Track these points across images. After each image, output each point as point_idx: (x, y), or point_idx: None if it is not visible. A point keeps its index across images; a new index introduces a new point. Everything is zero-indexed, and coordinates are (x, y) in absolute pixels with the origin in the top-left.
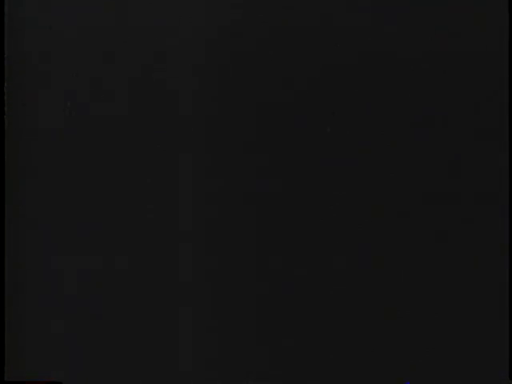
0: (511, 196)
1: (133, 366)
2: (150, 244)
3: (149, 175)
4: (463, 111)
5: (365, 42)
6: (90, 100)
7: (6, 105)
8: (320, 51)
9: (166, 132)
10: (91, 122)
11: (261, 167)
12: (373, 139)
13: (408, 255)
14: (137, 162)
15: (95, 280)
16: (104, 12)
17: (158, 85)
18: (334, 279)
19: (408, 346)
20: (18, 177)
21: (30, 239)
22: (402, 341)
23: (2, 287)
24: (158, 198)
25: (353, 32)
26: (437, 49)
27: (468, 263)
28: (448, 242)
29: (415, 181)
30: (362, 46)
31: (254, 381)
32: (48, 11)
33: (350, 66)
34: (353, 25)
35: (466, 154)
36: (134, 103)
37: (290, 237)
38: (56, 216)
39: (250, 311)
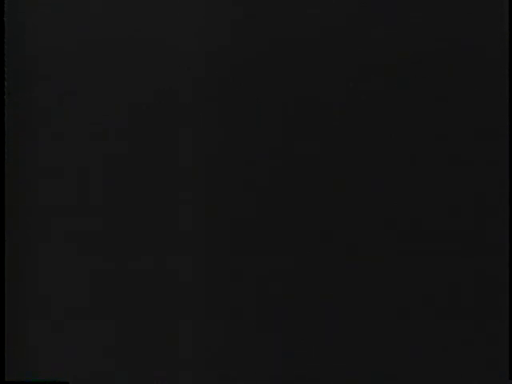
0: (511, 196)
1: (134, 365)
2: (151, 244)
3: (149, 179)
4: (463, 111)
5: (363, 41)
6: (90, 101)
7: (6, 105)
8: (322, 60)
9: (165, 139)
10: (91, 123)
11: (260, 171)
12: (371, 139)
13: (408, 254)
14: (137, 164)
15: (96, 280)
16: (105, 12)
17: (157, 88)
18: (334, 278)
19: (408, 346)
20: (18, 176)
21: (30, 239)
22: (401, 341)
23: (2, 287)
24: (158, 199)
25: (352, 35)
26: (436, 48)
27: (468, 263)
28: (448, 242)
29: (414, 180)
30: (361, 46)
31: (253, 381)
32: (48, 11)
33: (349, 70)
34: (352, 28)
35: (465, 154)
36: (134, 104)
37: (289, 236)
38: (56, 216)
39: (249, 311)
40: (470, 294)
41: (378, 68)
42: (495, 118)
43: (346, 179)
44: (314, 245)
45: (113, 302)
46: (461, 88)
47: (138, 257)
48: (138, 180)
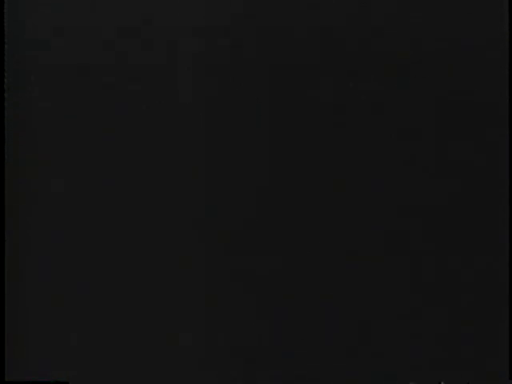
0: (511, 196)
1: (135, 365)
2: (151, 244)
3: (149, 179)
4: (463, 111)
5: (363, 41)
6: (90, 101)
7: (6, 104)
8: (322, 60)
9: (166, 134)
10: (91, 123)
11: (260, 168)
12: (371, 139)
13: (408, 254)
14: (137, 164)
15: (96, 280)
16: (105, 12)
17: (157, 87)
18: (334, 278)
19: (408, 345)
20: (18, 177)
21: (30, 238)
22: (401, 341)
23: (2, 287)
24: (158, 199)
25: (353, 32)
26: (436, 48)
27: (468, 263)
28: (448, 242)
29: (414, 180)
30: (361, 46)
31: (252, 381)
32: (48, 11)
33: (350, 70)
34: (352, 28)
35: (465, 154)
36: (133, 104)
37: (289, 236)
38: (55, 215)
39: (249, 311)
40: (470, 294)
41: (378, 68)
42: (495, 118)
43: (346, 179)
44: (315, 245)
45: (113, 302)
46: (461, 88)
47: (138, 257)
48: (138, 180)
